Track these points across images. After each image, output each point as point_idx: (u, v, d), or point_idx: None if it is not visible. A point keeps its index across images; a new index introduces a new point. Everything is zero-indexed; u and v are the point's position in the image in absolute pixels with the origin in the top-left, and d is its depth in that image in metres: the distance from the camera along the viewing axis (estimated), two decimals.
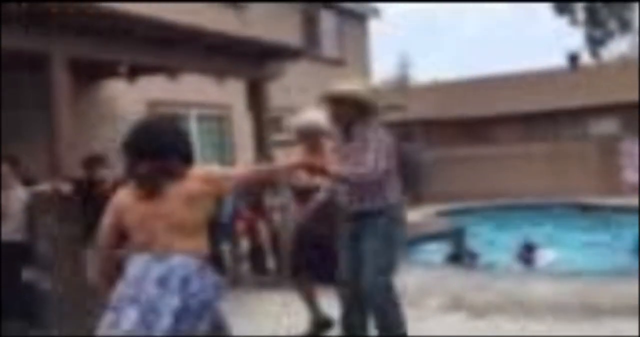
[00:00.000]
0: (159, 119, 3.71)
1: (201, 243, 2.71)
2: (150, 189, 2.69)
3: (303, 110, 4.59)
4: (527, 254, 8.19)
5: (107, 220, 2.89)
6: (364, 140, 3.63)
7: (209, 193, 2.75)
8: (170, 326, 2.49)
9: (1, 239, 5.08)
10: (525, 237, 8.75)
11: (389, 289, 3.70)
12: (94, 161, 5.38)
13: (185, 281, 2.58)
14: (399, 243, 3.84)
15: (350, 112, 3.75)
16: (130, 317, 2.53)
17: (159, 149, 2.69)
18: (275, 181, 4.27)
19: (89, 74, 8.22)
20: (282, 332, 4.91)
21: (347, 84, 3.88)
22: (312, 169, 3.62)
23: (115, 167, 5.51)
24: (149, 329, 2.49)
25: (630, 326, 4.54)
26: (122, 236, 2.82)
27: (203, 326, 2.61)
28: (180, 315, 2.51)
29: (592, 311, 5.01)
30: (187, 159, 2.76)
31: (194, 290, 2.58)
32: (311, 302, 4.62)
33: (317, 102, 4.39)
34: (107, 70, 7.75)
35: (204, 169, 2.85)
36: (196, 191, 2.69)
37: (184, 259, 2.62)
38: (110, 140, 8.60)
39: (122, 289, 2.65)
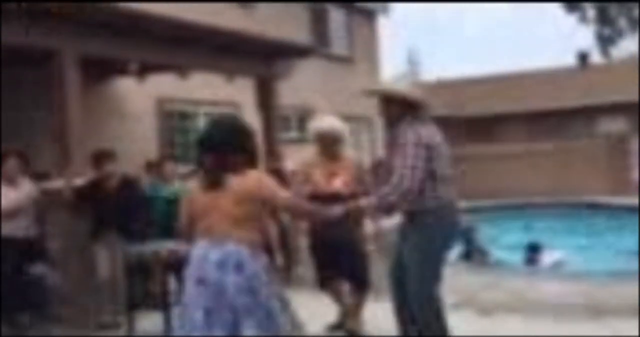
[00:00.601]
0: (230, 118, 3.94)
1: (252, 233, 2.99)
2: (212, 181, 3.00)
3: (321, 115, 4.70)
4: (531, 254, 8.20)
5: (182, 209, 3.18)
6: (404, 141, 3.50)
7: (260, 197, 2.99)
8: (233, 300, 2.89)
9: (13, 235, 5.14)
10: (530, 237, 8.76)
11: (430, 299, 3.59)
12: (102, 157, 5.42)
13: (239, 265, 2.91)
14: (440, 249, 3.64)
15: (398, 110, 3.66)
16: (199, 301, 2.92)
17: (223, 145, 3.01)
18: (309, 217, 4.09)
19: (99, 71, 8.28)
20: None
21: (396, 84, 3.85)
22: (353, 214, 3.58)
23: (122, 164, 5.56)
24: (220, 304, 2.89)
25: (632, 326, 4.56)
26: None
27: (263, 299, 2.95)
28: (240, 290, 2.89)
29: (596, 311, 5.03)
30: (250, 157, 3.06)
31: (248, 272, 2.92)
32: (339, 298, 4.70)
33: (331, 103, 4.40)
34: (117, 68, 7.82)
35: (262, 176, 3.08)
36: (250, 190, 2.96)
37: (237, 246, 2.94)
38: (118, 137, 8.68)
39: (189, 270, 3.01)
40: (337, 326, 4.73)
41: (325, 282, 4.61)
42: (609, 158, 15.78)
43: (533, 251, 8.24)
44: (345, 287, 4.67)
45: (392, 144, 3.63)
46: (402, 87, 3.72)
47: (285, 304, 3.13)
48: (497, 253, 8.67)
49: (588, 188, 15.04)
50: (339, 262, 4.46)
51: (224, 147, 3.02)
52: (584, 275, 6.77)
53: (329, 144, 4.49)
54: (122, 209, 5.35)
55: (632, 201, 13.64)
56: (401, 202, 3.57)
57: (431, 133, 3.59)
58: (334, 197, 4.04)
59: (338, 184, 4.38)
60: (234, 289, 2.88)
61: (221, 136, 3.05)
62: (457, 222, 3.72)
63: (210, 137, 3.08)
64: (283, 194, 3.05)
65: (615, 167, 15.65)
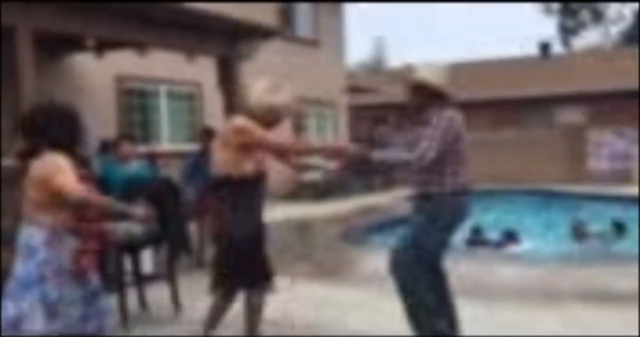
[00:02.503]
0: (36, 106, 3.56)
1: (54, 218, 2.98)
2: (18, 168, 3.15)
3: (276, 84, 3.74)
4: (506, 240, 8.37)
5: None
6: (428, 127, 3.51)
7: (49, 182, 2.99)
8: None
9: None
10: (486, 222, 8.90)
11: (415, 262, 3.57)
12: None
13: (31, 249, 2.97)
14: (444, 229, 3.60)
15: (422, 98, 3.66)
16: None
17: (27, 132, 3.09)
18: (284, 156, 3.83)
19: (56, 47, 8.03)
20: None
21: (423, 70, 3.67)
22: (340, 153, 3.66)
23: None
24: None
25: (587, 310, 4.66)
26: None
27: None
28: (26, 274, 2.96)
29: (554, 296, 5.12)
30: (52, 141, 3.04)
31: (39, 258, 2.95)
32: (218, 318, 3.79)
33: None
34: (75, 44, 7.58)
35: (53, 161, 3.00)
36: (40, 175, 2.96)
37: (32, 230, 2.98)
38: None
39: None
40: None
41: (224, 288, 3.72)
42: (567, 147, 16.11)
43: (508, 237, 8.42)
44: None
45: (413, 133, 3.65)
46: (434, 76, 3.65)
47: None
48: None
49: (547, 176, 15.34)
50: (255, 270, 3.70)
51: (27, 134, 3.09)
52: (540, 260, 6.89)
53: (276, 118, 3.74)
54: None
55: (588, 189, 13.98)
56: (412, 175, 3.64)
57: (457, 117, 3.61)
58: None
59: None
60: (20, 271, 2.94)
61: (24, 123, 3.13)
62: (465, 209, 3.68)
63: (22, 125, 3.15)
64: (68, 186, 2.88)
65: (572, 157, 16.00)
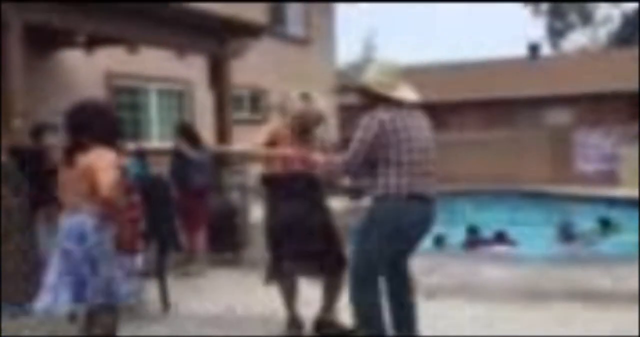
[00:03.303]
0: (82, 101, 3.66)
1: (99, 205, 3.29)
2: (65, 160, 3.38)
3: (306, 94, 4.17)
4: (497, 241, 8.43)
5: None
6: (358, 126, 3.47)
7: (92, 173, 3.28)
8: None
9: None
10: (476, 222, 8.97)
11: (356, 266, 3.53)
12: (42, 129, 5.23)
13: (81, 235, 3.28)
14: (387, 234, 3.42)
15: (367, 100, 3.61)
16: None
17: (72, 127, 3.40)
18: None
19: (46, 42, 7.99)
20: (238, 309, 4.93)
21: (368, 72, 3.62)
22: (306, 161, 3.88)
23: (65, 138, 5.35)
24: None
25: (572, 310, 4.71)
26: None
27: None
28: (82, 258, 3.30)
29: (540, 295, 5.17)
30: (99, 136, 3.33)
31: (89, 242, 3.27)
32: (291, 299, 4.23)
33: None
34: (65, 40, 7.55)
35: (101, 154, 3.30)
36: (89, 166, 3.27)
37: (82, 217, 3.29)
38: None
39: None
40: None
41: (277, 274, 4.14)
42: (554, 149, 16.22)
43: (499, 238, 8.48)
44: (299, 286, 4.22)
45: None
46: (370, 78, 3.56)
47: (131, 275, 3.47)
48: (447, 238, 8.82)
49: (534, 177, 15.44)
50: (307, 245, 4.04)
51: (73, 130, 3.38)
52: (527, 261, 6.94)
53: (308, 127, 4.22)
54: None
55: (574, 190, 14.09)
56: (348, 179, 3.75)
57: (396, 118, 3.42)
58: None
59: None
60: (77, 256, 3.24)
61: (70, 120, 3.41)
62: (413, 215, 3.43)
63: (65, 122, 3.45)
64: (105, 179, 3.17)
65: (559, 158, 16.11)
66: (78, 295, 3.24)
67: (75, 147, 3.31)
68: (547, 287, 5.43)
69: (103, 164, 3.20)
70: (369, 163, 3.46)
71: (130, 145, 6.97)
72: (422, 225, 3.52)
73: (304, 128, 4.19)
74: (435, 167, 3.56)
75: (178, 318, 4.83)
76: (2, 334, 4.39)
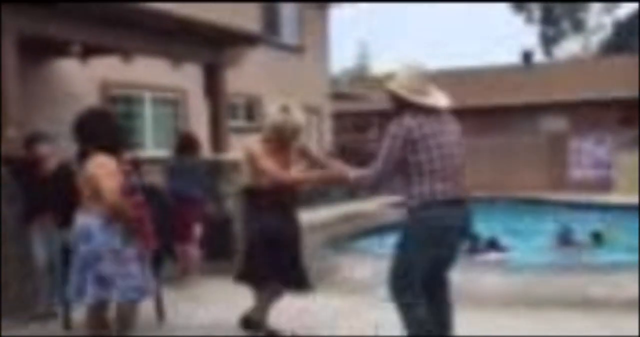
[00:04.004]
0: (87, 110, 3.96)
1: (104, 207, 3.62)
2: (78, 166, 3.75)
3: (286, 106, 4.18)
4: (490, 248, 8.42)
5: None
6: (387, 133, 3.45)
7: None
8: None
9: None
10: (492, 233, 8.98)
11: (398, 291, 3.53)
12: (35, 139, 5.19)
13: (88, 235, 3.63)
14: (419, 248, 3.44)
15: (396, 106, 3.56)
16: None
17: (78, 136, 3.77)
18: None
19: (41, 52, 7.98)
20: (233, 318, 4.91)
21: (396, 78, 3.55)
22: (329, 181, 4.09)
23: (60, 147, 5.33)
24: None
25: (569, 319, 4.71)
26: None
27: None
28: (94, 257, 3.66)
29: (536, 302, 5.17)
30: (102, 144, 3.64)
31: (95, 242, 3.60)
32: (265, 306, 4.39)
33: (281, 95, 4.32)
34: (60, 49, 7.54)
35: (101, 162, 3.62)
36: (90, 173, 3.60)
37: (87, 218, 3.63)
38: (59, 120, 8.41)
39: None
40: (247, 322, 4.45)
41: (260, 279, 4.24)
42: (549, 155, 16.27)
43: (491, 245, 8.46)
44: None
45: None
46: (403, 82, 3.49)
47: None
48: None
49: (529, 183, 15.48)
50: (282, 257, 4.19)
51: (78, 139, 3.72)
52: (523, 268, 6.94)
53: (286, 138, 4.20)
54: (58, 193, 5.14)
55: (569, 197, 14.12)
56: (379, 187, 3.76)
57: (424, 124, 3.39)
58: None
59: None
60: (84, 254, 3.59)
61: (75, 129, 3.73)
62: (450, 220, 3.44)
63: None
64: (108, 186, 3.48)
65: (554, 165, 16.16)
66: (97, 290, 3.56)
67: (83, 155, 3.63)
68: (543, 294, 5.43)
69: (104, 171, 3.49)
70: (401, 171, 3.43)
71: (126, 155, 6.96)
72: (460, 229, 3.54)
73: (281, 140, 4.19)
74: (464, 171, 3.56)
75: (173, 328, 4.81)
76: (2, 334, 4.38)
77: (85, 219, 3.60)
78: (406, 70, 3.56)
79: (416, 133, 3.36)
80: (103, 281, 3.57)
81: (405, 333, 3.58)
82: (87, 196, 3.59)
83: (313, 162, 4.27)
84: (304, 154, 4.28)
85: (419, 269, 3.49)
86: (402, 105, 3.50)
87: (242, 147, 4.32)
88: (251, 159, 4.12)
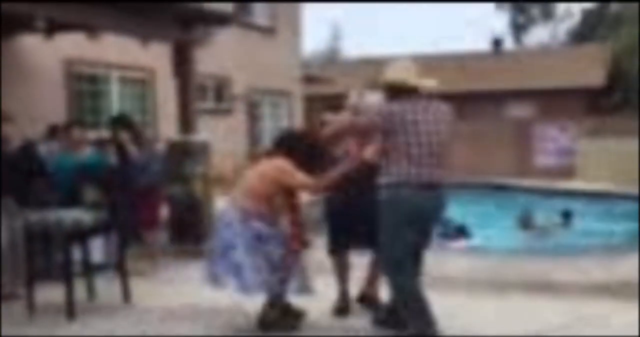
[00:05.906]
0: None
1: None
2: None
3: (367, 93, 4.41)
4: (456, 235, 8.49)
5: None
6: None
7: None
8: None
9: None
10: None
11: (393, 270, 3.72)
12: None
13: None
14: (395, 225, 3.63)
15: (389, 95, 3.83)
16: None
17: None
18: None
19: (3, 27, 7.73)
20: (201, 301, 4.87)
21: (387, 71, 3.86)
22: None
23: (24, 128, 5.19)
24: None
25: (534, 301, 4.79)
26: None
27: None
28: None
29: (501, 286, 5.24)
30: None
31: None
32: (343, 281, 4.57)
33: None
34: (23, 25, 7.31)
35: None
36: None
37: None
38: (20, 98, 8.19)
39: None
40: (340, 310, 4.51)
41: (335, 251, 4.51)
42: (515, 142, 16.48)
43: (458, 231, 8.54)
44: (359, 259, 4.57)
45: None
46: (389, 71, 3.81)
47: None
48: None
49: (495, 169, 15.66)
50: (357, 228, 4.33)
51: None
52: (490, 252, 7.04)
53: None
54: (20, 174, 5.02)
55: (534, 183, 14.35)
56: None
57: (407, 112, 3.59)
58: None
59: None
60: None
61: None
62: (423, 201, 3.62)
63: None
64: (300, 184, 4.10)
65: (520, 151, 16.38)
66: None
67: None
68: (509, 278, 5.50)
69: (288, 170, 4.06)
70: (384, 153, 3.68)
71: (91, 135, 6.82)
72: (432, 211, 3.73)
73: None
74: (445, 159, 3.75)
75: (139, 311, 4.75)
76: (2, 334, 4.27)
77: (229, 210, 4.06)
78: (392, 63, 3.89)
79: (397, 118, 3.58)
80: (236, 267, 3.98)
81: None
82: (248, 190, 4.03)
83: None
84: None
85: (399, 245, 3.65)
86: (392, 96, 3.76)
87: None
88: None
